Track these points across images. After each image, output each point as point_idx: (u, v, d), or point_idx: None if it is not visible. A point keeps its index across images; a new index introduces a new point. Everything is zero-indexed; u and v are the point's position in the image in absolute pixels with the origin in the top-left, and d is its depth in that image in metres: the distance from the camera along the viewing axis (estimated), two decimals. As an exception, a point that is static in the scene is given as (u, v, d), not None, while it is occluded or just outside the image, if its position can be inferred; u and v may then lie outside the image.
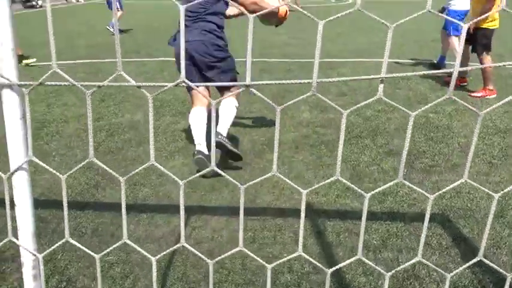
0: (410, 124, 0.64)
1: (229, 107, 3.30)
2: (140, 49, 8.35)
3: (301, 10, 0.73)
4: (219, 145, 3.18)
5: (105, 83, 0.63)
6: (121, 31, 10.40)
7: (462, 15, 5.93)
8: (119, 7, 10.25)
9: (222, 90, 3.41)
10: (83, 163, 0.76)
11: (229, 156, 3.32)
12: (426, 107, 0.66)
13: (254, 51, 7.41)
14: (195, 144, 3.26)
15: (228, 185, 3.10)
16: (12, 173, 0.70)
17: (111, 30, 10.35)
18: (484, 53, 5.00)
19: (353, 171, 3.35)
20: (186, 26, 3.28)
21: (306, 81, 0.65)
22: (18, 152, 0.69)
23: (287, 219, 2.71)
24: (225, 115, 3.30)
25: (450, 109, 4.63)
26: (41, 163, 0.70)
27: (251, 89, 0.69)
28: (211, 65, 3.22)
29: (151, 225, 2.66)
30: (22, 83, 0.65)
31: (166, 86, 0.62)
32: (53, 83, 0.66)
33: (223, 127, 3.28)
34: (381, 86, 0.64)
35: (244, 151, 3.70)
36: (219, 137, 3.21)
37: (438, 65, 6.50)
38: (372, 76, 0.64)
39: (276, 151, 0.66)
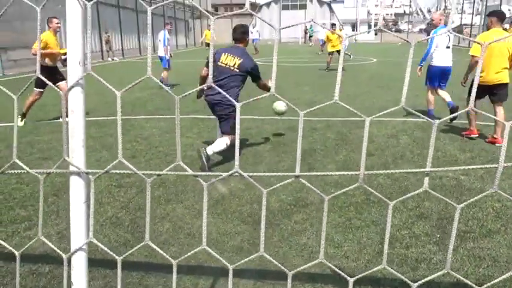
0: (457, 217, 0.66)
1: (221, 140, 4.80)
2: (170, 105, 8.67)
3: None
4: (199, 153, 4.73)
5: (163, 172, 0.68)
6: (170, 85, 11.76)
7: (439, 71, 6.86)
8: (167, 65, 11.28)
9: (223, 131, 4.99)
10: (138, 246, 0.80)
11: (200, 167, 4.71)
12: (471, 200, 0.68)
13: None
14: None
15: (256, 246, 3.08)
16: (73, 253, 0.74)
17: (164, 86, 11.23)
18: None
19: (383, 235, 3.28)
20: (214, 81, 4.81)
21: (352, 173, 0.68)
22: (79, 233, 0.74)
23: (316, 285, 2.65)
24: (216, 143, 4.82)
25: (482, 171, 4.54)
26: (99, 244, 0.74)
27: (300, 179, 0.73)
28: (218, 113, 4.89)
29: (179, 287, 2.64)
30: (89, 171, 0.71)
31: (221, 175, 0.66)
32: (117, 171, 0.72)
33: (210, 149, 4.74)
34: (426, 179, 0.66)
35: (272, 211, 3.70)
36: (202, 148, 4.74)
37: (453, 110, 6.69)
38: (416, 170, 0.67)
39: (323, 238, 0.68)
